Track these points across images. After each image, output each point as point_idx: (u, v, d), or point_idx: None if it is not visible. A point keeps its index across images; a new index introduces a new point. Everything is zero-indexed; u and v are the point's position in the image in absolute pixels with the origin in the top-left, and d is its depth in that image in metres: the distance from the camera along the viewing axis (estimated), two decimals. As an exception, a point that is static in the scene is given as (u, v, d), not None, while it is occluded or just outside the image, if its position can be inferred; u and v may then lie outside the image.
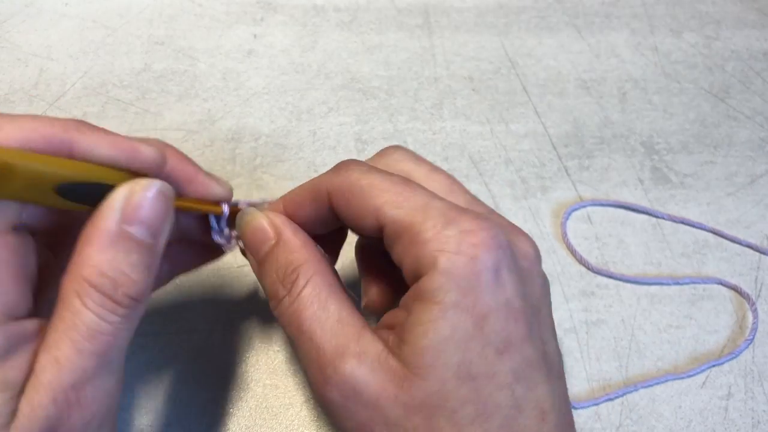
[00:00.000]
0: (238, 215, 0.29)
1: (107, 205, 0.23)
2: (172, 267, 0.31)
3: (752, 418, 0.37)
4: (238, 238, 0.30)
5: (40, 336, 0.23)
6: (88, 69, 0.50)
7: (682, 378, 0.37)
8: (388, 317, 0.26)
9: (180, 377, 0.36)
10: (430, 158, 0.46)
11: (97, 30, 0.53)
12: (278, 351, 0.37)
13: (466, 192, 0.29)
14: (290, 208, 0.28)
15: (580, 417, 0.36)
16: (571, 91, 0.52)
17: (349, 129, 0.48)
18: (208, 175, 0.28)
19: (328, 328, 0.24)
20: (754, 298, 0.39)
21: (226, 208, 0.29)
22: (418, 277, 0.24)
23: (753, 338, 0.39)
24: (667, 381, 0.37)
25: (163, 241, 0.24)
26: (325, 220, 0.28)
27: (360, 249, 0.32)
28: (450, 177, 0.29)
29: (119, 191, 0.23)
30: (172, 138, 0.46)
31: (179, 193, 0.27)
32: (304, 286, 0.25)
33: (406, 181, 0.26)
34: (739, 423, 0.37)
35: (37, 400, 0.21)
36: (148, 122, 0.47)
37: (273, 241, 0.27)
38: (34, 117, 0.23)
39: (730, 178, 0.47)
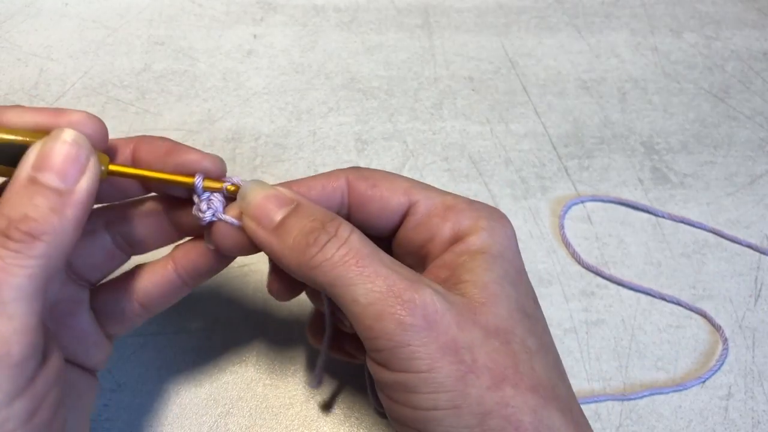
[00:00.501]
0: (244, 185, 0.27)
1: (23, 158, 0.23)
2: (188, 272, 0.30)
3: (752, 418, 0.37)
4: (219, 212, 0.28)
5: None
6: (88, 69, 0.50)
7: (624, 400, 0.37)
8: (432, 269, 0.27)
9: (180, 377, 0.36)
10: (429, 158, 0.47)
11: (97, 30, 0.53)
12: (278, 351, 0.37)
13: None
14: (299, 190, 0.28)
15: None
16: (571, 91, 0.52)
17: (349, 129, 0.48)
18: (191, 148, 0.28)
19: (390, 264, 0.24)
20: (727, 333, 0.39)
21: (198, 181, 0.27)
22: (457, 239, 0.27)
23: (719, 367, 0.38)
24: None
25: (81, 187, 0.24)
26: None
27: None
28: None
29: (35, 144, 0.24)
30: (172, 138, 0.46)
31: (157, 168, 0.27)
32: (351, 231, 0.25)
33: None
34: (739, 423, 0.37)
35: None
36: (148, 122, 0.47)
37: (292, 206, 0.26)
38: None
39: (730, 178, 0.47)
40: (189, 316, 0.38)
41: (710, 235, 0.44)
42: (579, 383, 0.38)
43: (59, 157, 0.23)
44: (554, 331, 0.39)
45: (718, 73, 0.54)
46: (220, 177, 0.28)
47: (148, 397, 0.36)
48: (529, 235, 0.43)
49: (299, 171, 0.45)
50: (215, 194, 0.28)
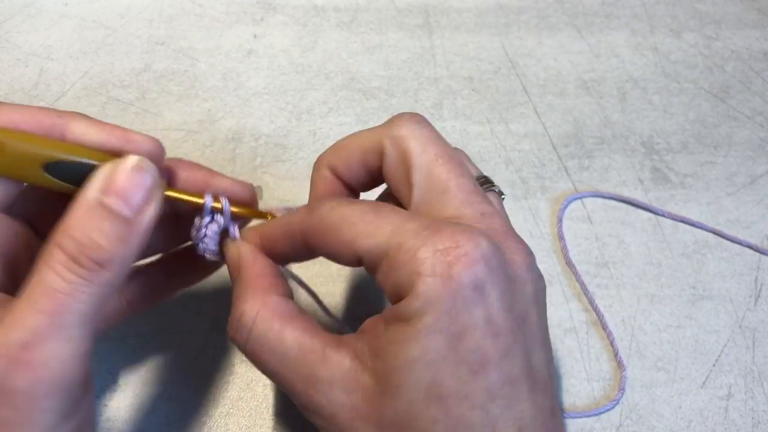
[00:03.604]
0: (225, 242, 0.29)
1: (90, 179, 0.24)
2: (168, 282, 0.32)
3: (752, 418, 0.37)
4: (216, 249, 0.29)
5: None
6: (88, 69, 0.50)
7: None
8: (369, 322, 0.26)
9: (180, 377, 0.36)
10: (430, 158, 0.47)
11: (97, 30, 0.53)
12: (278, 351, 0.38)
13: (470, 177, 0.27)
14: (266, 243, 0.28)
15: (580, 418, 0.36)
16: (571, 91, 0.52)
17: (349, 129, 0.48)
18: (224, 176, 0.29)
19: (291, 360, 0.24)
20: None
21: (209, 200, 0.28)
22: (397, 300, 0.24)
23: (620, 399, 0.37)
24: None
25: (146, 217, 0.24)
26: (304, 255, 0.28)
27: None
28: (452, 157, 0.27)
29: (103, 166, 0.24)
30: (172, 138, 0.46)
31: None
32: (252, 325, 0.25)
33: (376, 207, 0.25)
34: (739, 423, 0.37)
35: None
36: (148, 122, 0.47)
37: (237, 274, 0.27)
38: (35, 106, 0.25)
39: (730, 178, 0.47)
40: (189, 316, 0.38)
41: (710, 235, 0.44)
42: (579, 383, 0.38)
43: (129, 184, 0.23)
44: (554, 331, 0.39)
45: (718, 73, 0.54)
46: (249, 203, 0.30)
47: (148, 397, 0.36)
48: (529, 235, 0.43)
49: (299, 171, 0.45)
50: (218, 216, 0.29)
